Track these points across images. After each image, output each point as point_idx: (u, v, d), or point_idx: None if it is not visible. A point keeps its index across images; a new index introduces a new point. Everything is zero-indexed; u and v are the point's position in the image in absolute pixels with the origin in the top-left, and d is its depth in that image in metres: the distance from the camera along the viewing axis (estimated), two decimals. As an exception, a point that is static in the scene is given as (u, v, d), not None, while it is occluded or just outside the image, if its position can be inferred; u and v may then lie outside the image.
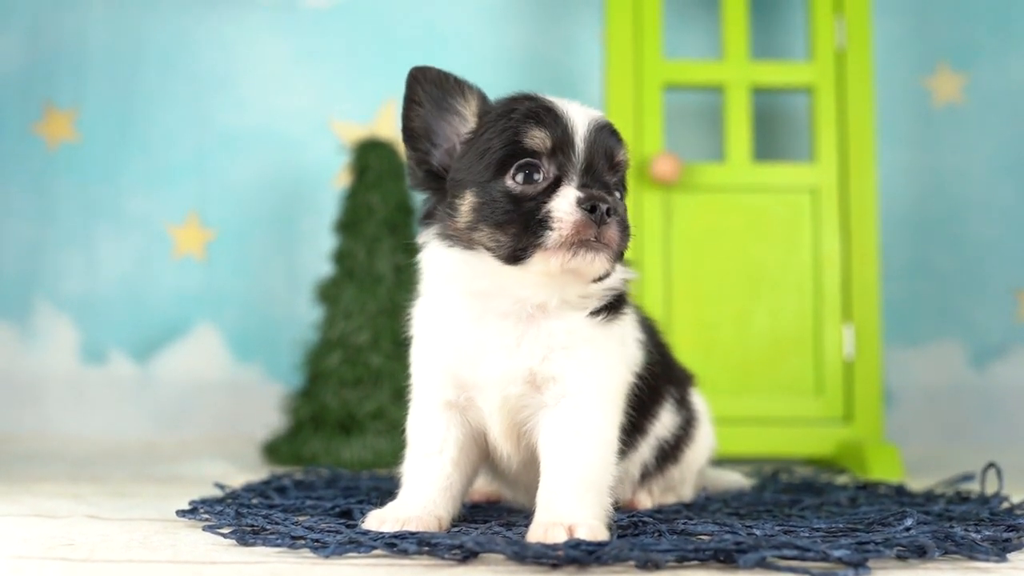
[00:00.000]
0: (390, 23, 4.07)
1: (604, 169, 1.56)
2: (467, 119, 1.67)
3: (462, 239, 1.60)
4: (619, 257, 1.55)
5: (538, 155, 1.54)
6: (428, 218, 1.68)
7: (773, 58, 3.85)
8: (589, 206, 1.47)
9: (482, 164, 1.57)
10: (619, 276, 1.66)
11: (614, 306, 1.65)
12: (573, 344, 1.58)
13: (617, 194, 1.60)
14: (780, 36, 3.96)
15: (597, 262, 1.50)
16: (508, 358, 1.58)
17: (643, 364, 1.76)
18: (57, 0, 4.06)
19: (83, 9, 4.06)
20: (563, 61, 4.02)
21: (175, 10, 4.08)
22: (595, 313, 1.61)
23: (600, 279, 1.57)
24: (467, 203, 1.59)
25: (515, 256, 1.52)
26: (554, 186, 1.53)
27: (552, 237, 1.48)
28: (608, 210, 1.48)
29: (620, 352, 1.67)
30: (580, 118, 1.57)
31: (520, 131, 1.55)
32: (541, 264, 1.51)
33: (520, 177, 1.54)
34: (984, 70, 4.03)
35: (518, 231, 1.51)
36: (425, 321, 1.70)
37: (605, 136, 1.57)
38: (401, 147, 3.76)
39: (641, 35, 3.36)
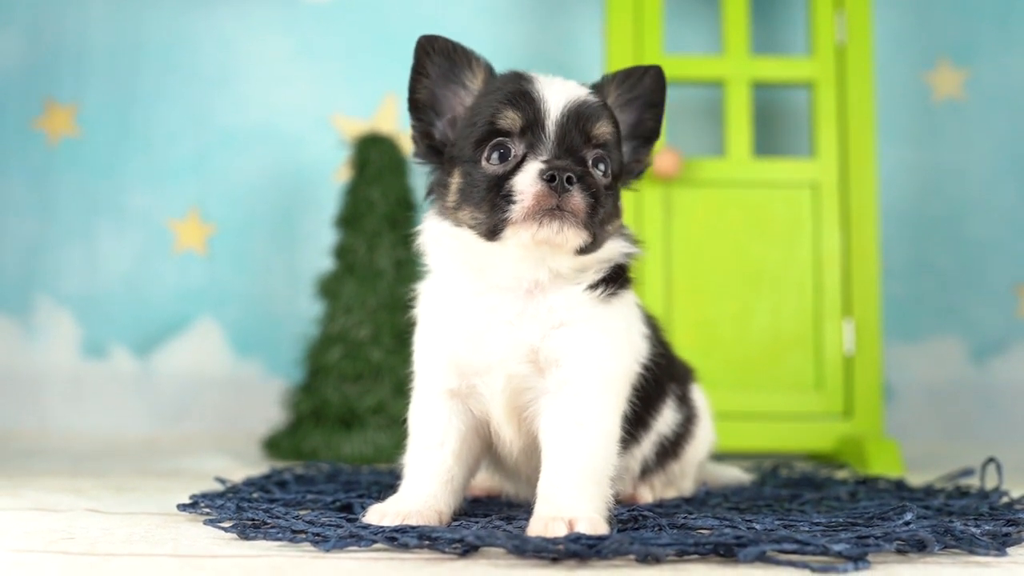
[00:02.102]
0: (390, 18, 4.07)
1: (580, 144, 1.57)
2: (472, 92, 1.68)
3: (451, 218, 1.63)
4: (593, 225, 1.54)
5: (509, 135, 1.57)
6: (431, 193, 1.71)
7: (773, 53, 3.85)
8: (548, 176, 1.49)
9: (467, 143, 1.61)
10: (618, 249, 1.66)
11: (613, 279, 1.65)
12: (573, 320, 1.58)
13: (601, 167, 1.60)
14: (780, 31, 3.96)
15: (566, 230, 1.51)
16: (510, 334, 1.59)
17: (648, 358, 1.76)
18: (57, -5, 4.07)
19: (84, 4, 4.06)
20: (564, 57, 4.02)
21: (176, 5, 4.07)
22: (594, 287, 1.62)
23: (584, 250, 1.57)
24: (455, 182, 1.62)
25: (491, 232, 1.55)
26: (522, 163, 1.55)
27: (516, 210, 1.51)
28: (569, 178, 1.49)
29: (625, 336, 1.67)
30: (557, 96, 1.58)
31: (495, 112, 1.58)
32: (513, 238, 1.53)
33: (495, 157, 1.57)
34: (984, 66, 4.03)
35: (489, 208, 1.55)
36: (430, 302, 1.71)
37: (582, 112, 1.58)
38: (401, 142, 3.76)
39: (641, 30, 3.36)
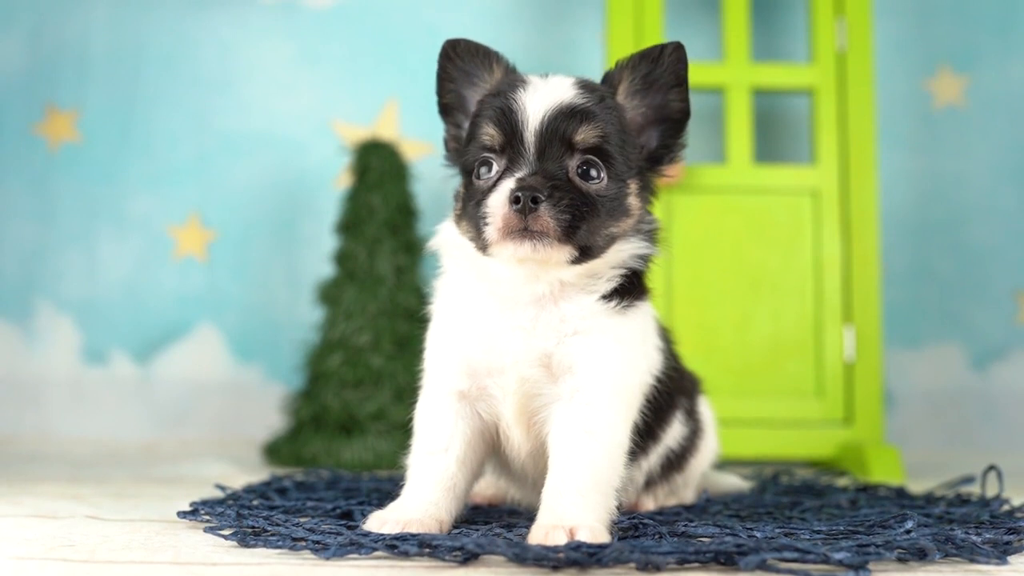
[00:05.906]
0: (391, 24, 4.07)
1: (560, 153, 1.53)
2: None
3: (458, 226, 1.65)
4: (576, 238, 1.50)
5: (492, 151, 1.56)
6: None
7: (774, 60, 3.85)
8: (514, 197, 1.48)
9: (468, 154, 1.62)
10: (628, 251, 1.62)
11: (629, 289, 1.62)
12: (588, 329, 1.57)
13: (593, 171, 1.55)
14: (781, 38, 3.96)
15: (540, 249, 1.49)
16: (524, 340, 1.58)
17: (661, 371, 1.75)
18: (59, 1, 4.07)
19: (85, 10, 4.06)
20: (564, 63, 4.02)
21: (177, 11, 4.08)
22: (608, 297, 1.59)
23: (578, 260, 1.53)
24: (461, 192, 1.65)
25: (482, 248, 1.56)
26: (500, 180, 1.54)
27: (489, 231, 1.51)
28: (535, 198, 1.46)
29: (640, 348, 1.65)
30: (536, 105, 1.54)
31: (480, 128, 1.58)
32: (499, 255, 1.54)
33: (483, 171, 1.58)
34: (985, 73, 4.03)
35: (476, 225, 1.55)
36: (446, 301, 1.70)
37: (562, 120, 1.53)
38: (402, 148, 3.76)
39: (642, 36, 3.36)
